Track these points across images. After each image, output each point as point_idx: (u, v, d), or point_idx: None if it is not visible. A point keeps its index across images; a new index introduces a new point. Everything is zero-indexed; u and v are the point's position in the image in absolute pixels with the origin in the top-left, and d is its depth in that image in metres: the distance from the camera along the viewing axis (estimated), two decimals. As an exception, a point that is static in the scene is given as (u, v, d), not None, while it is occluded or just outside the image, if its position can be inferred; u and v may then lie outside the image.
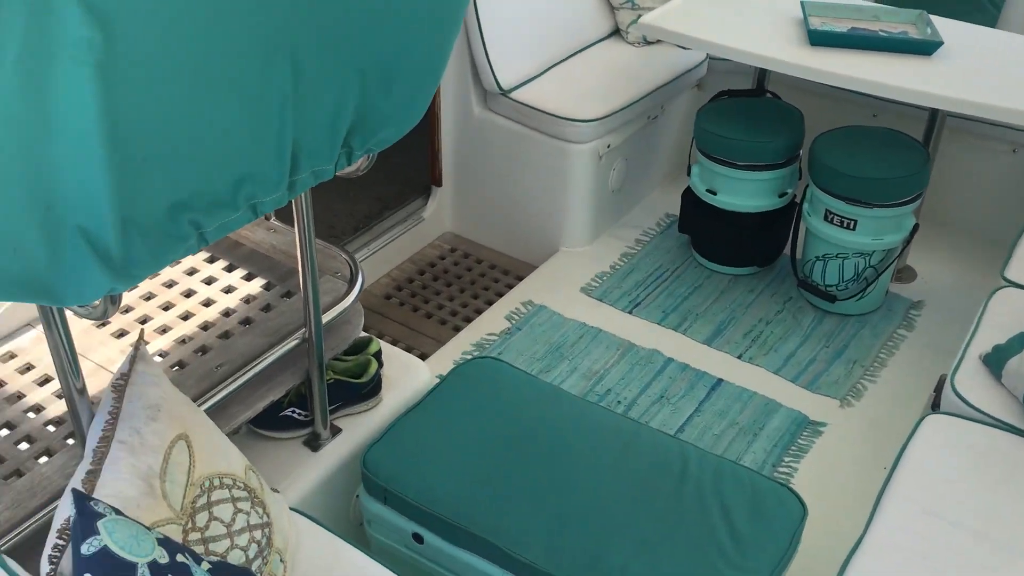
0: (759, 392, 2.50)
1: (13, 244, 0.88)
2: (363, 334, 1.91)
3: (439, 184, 3.15)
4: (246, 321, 1.78)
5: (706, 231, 2.93)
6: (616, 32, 3.29)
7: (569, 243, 3.04)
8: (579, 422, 1.82)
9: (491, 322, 2.74)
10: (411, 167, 3.24)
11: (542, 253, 3.06)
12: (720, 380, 2.53)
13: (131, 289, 1.56)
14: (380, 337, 2.81)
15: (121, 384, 1.29)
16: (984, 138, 2.93)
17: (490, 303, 2.92)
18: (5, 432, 1.54)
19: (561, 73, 3.01)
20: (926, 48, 2.47)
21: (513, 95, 2.88)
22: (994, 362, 1.89)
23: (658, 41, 3.16)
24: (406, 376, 1.97)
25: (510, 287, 2.99)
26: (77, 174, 0.88)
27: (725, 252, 2.93)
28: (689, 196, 2.93)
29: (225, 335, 1.74)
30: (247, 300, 1.83)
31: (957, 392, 1.87)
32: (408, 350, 2.77)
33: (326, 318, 1.71)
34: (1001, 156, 2.95)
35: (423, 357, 2.73)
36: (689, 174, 2.91)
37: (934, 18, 2.64)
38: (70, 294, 0.96)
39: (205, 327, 1.76)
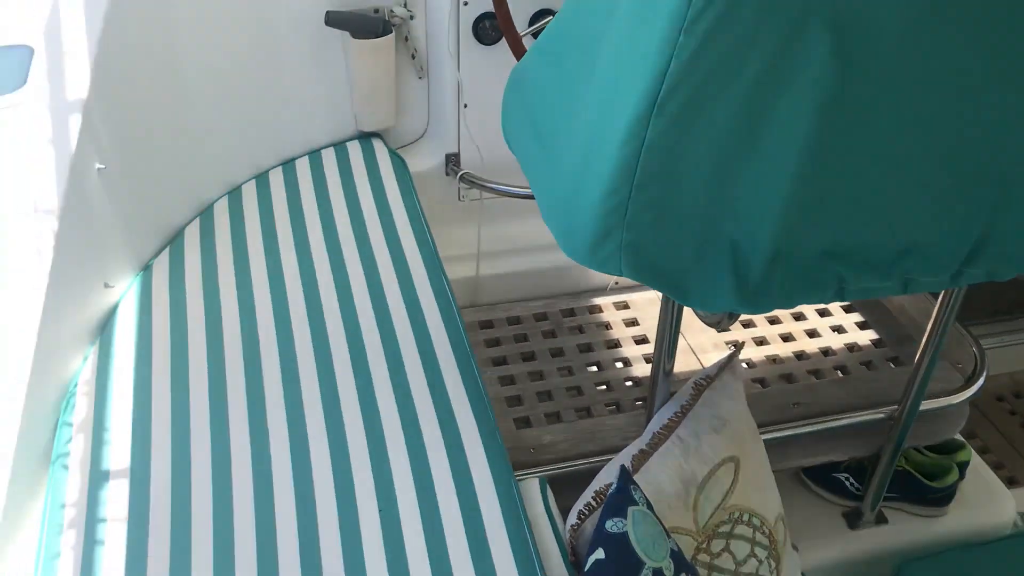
0: None
1: (670, 236, 0.90)
2: (959, 437, 1.68)
3: None
4: (841, 368, 1.68)
5: None
6: None
7: None
8: None
9: (1118, 487, 2.23)
10: (1096, 271, 2.74)
11: None
12: None
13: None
14: (970, 438, 2.49)
15: (703, 385, 1.31)
16: None
17: None
18: (593, 370, 1.69)
19: None
20: None
21: None
22: None
23: None
24: (986, 503, 1.70)
25: None
26: (754, 194, 0.86)
27: None
28: None
29: (816, 373, 1.66)
30: (851, 348, 1.73)
31: None
32: (996, 467, 2.40)
33: (927, 406, 1.53)
34: None
35: (1010, 482, 2.35)
36: None
37: None
38: (696, 298, 0.97)
39: (800, 356, 1.71)
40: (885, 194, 0.90)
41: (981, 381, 1.59)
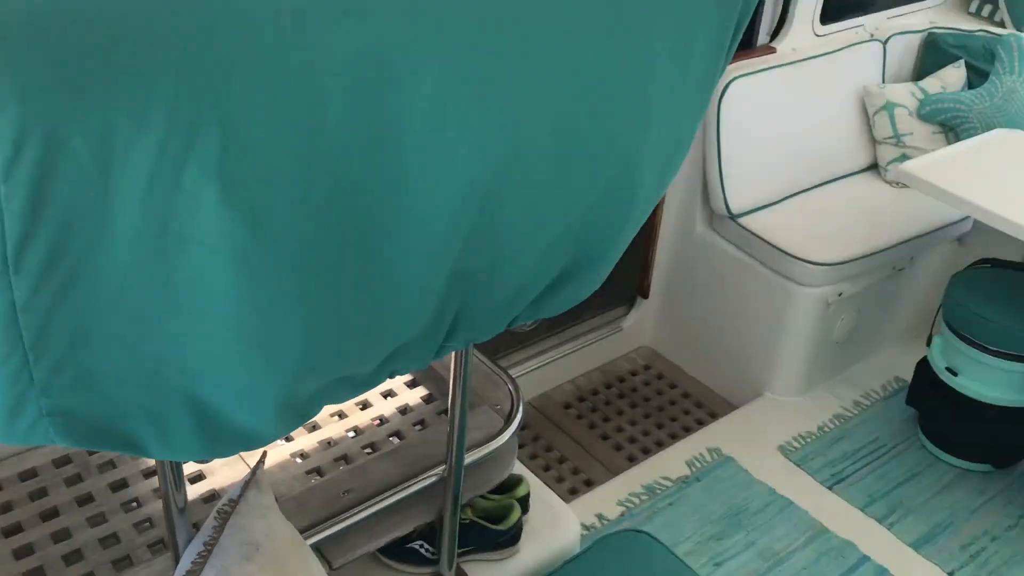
0: (969, 624, 2.10)
1: (107, 397, 0.79)
2: (516, 472, 1.74)
3: (646, 296, 2.96)
4: (397, 434, 1.66)
5: (938, 413, 2.54)
6: (873, 167, 2.98)
7: (776, 390, 2.74)
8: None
9: (669, 464, 2.49)
10: (618, 273, 3.06)
11: (743, 394, 2.78)
12: (922, 597, 2.15)
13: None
14: (548, 450, 2.65)
15: (227, 511, 1.19)
16: None
17: (675, 437, 2.68)
18: (135, 507, 1.50)
19: (802, 204, 2.75)
20: None
21: (742, 220, 2.65)
22: None
23: (920, 185, 2.82)
24: (552, 527, 1.78)
25: (701, 424, 2.74)
26: (200, 351, 0.77)
27: (958, 441, 2.52)
28: (925, 369, 2.56)
29: (372, 447, 1.62)
30: (403, 411, 1.72)
31: None
32: (574, 472, 2.58)
33: (472, 456, 1.56)
34: None
35: (589, 483, 2.53)
36: (929, 344, 2.54)
37: None
38: (160, 452, 0.86)
39: (356, 432, 1.66)
40: (359, 325, 0.85)
41: (518, 417, 1.65)
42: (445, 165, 0.79)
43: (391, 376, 1.00)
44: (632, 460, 2.60)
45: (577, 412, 2.80)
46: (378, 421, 1.70)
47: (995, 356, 2.32)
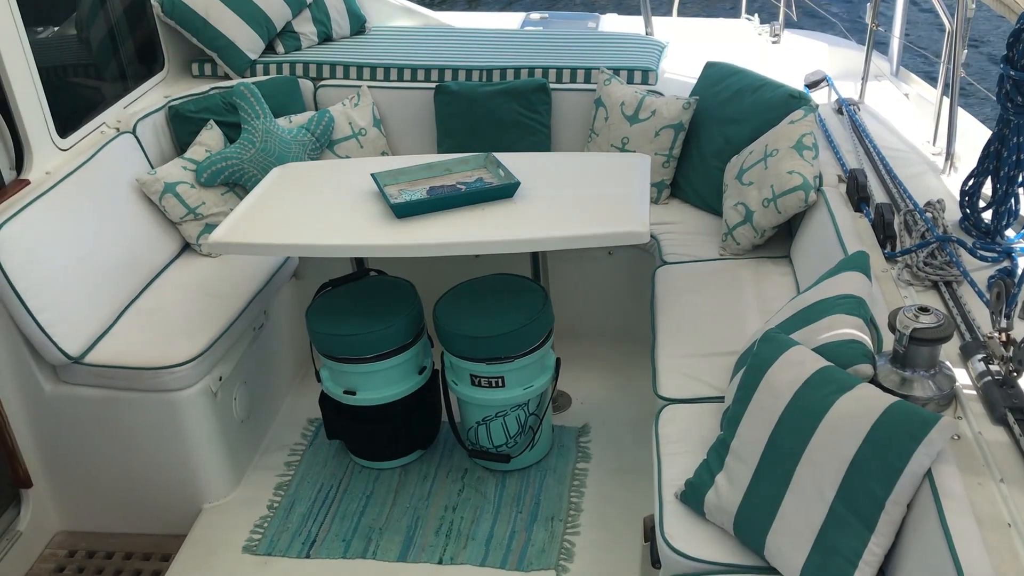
0: (473, 596, 2.27)
1: None
2: None
3: (28, 485, 2.56)
4: None
5: (357, 432, 2.66)
6: (188, 247, 2.95)
7: (212, 497, 2.61)
8: None
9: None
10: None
11: (185, 519, 2.59)
12: (430, 599, 2.26)
13: None
14: None
15: None
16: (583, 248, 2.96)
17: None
18: None
19: (136, 315, 2.60)
20: (507, 192, 2.44)
21: (88, 359, 2.42)
22: (692, 500, 1.83)
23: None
24: None
25: (159, 574, 2.49)
26: None
27: (384, 448, 2.68)
28: (327, 401, 2.65)
29: None
30: None
31: (672, 546, 1.78)
32: None
33: None
34: (601, 260, 3.05)
35: None
36: (319, 379, 2.63)
37: (499, 155, 2.65)
38: None
39: None
40: None
41: None
42: None
43: None
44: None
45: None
46: None
47: (375, 361, 2.50)
